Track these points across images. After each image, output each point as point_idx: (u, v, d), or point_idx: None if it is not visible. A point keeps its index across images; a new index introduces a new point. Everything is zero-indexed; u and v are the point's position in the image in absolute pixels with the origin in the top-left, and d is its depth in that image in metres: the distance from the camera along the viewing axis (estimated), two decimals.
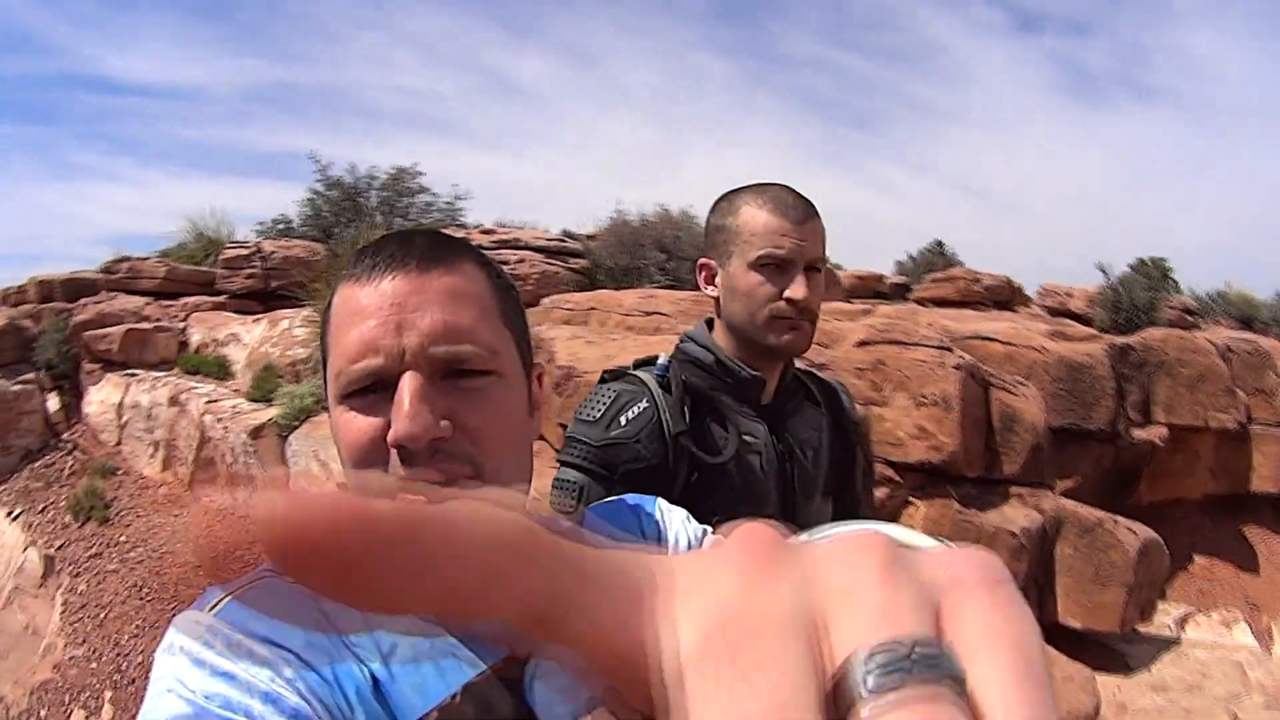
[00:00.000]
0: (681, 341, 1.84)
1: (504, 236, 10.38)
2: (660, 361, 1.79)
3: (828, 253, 1.81)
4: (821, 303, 1.77)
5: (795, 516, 1.76)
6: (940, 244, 14.40)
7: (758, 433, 1.73)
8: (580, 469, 1.62)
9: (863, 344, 4.55)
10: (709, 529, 1.12)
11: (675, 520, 1.10)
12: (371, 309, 0.79)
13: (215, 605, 0.75)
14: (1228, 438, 7.56)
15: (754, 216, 1.67)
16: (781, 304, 1.66)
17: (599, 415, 1.66)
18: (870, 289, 12.35)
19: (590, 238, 11.61)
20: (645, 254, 10.43)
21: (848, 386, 2.04)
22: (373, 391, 0.79)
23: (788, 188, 1.73)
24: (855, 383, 4.29)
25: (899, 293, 12.53)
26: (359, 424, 0.79)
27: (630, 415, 1.65)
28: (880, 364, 4.42)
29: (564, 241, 10.69)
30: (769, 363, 1.74)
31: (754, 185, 1.76)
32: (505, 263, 9.68)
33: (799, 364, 1.90)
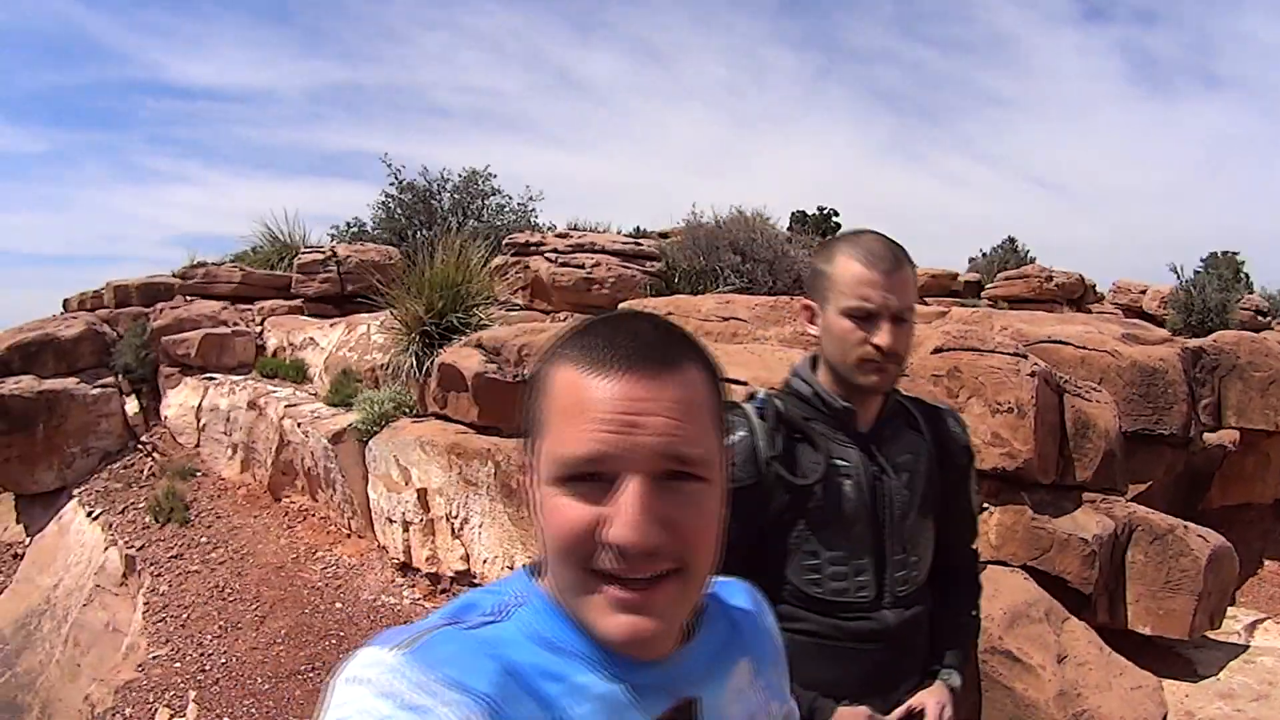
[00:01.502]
0: (790, 375, 2.09)
1: (580, 240, 10.47)
2: (759, 396, 2.04)
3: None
4: (909, 345, 2.01)
5: (886, 532, 1.99)
6: (1012, 240, 14.46)
7: (850, 457, 1.97)
8: None
9: (938, 351, 4.63)
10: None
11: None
12: (605, 405, 0.85)
13: (405, 645, 0.83)
14: None
15: (847, 267, 1.90)
16: (869, 349, 1.89)
17: None
18: (944, 287, 12.40)
19: (663, 235, 11.69)
20: (720, 256, 10.49)
21: (953, 410, 2.24)
22: (591, 480, 0.85)
23: (881, 237, 1.95)
24: (931, 389, 4.40)
25: (972, 290, 12.56)
26: (574, 511, 0.85)
27: (729, 441, 1.90)
28: (956, 371, 4.50)
29: (639, 244, 10.74)
30: (862, 395, 1.98)
31: (851, 234, 2.03)
32: (581, 266, 9.81)
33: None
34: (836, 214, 29.25)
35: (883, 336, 1.88)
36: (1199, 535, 4.94)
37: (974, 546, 2.30)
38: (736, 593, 1.18)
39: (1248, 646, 5.85)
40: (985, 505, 4.36)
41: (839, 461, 1.96)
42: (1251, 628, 6.40)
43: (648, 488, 0.84)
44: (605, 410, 0.85)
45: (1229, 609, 6.16)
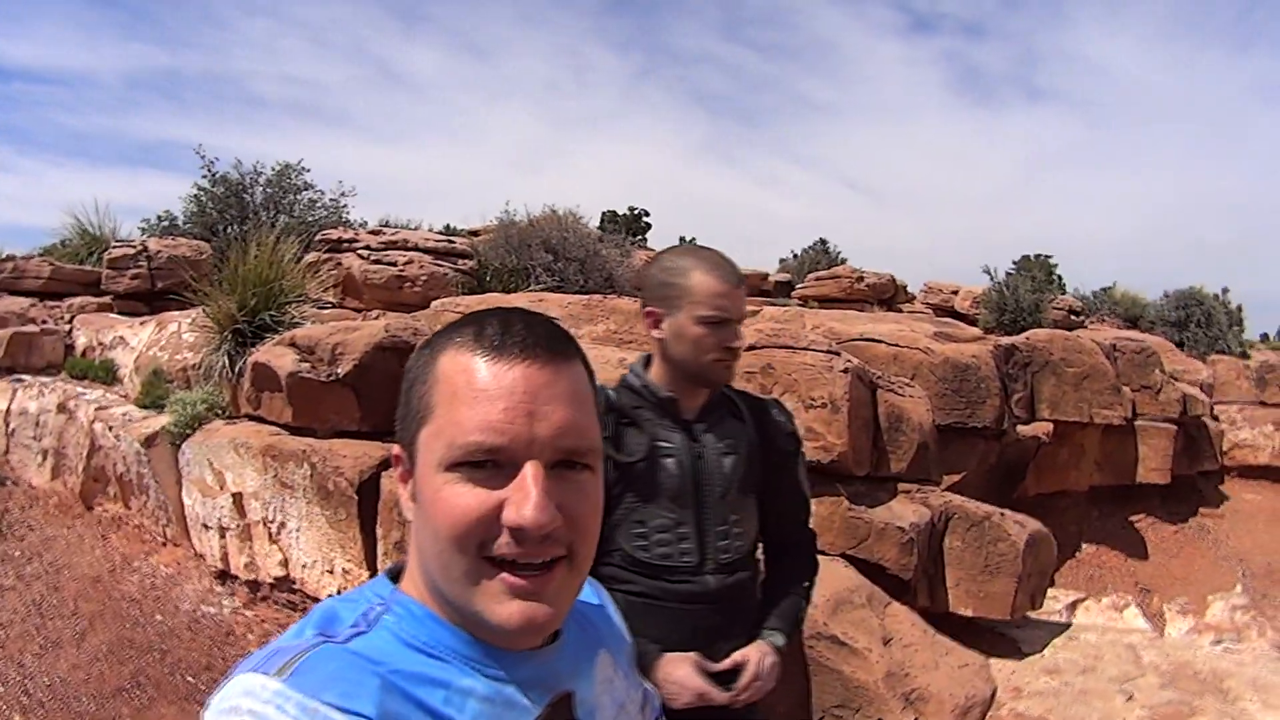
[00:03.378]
0: (627, 372, 2.42)
1: (392, 238, 10.32)
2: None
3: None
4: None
5: (706, 505, 2.31)
6: (824, 241, 14.99)
7: (674, 440, 2.30)
8: None
9: (752, 349, 4.82)
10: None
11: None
12: (503, 391, 0.88)
13: (281, 670, 0.81)
14: (1113, 432, 8.05)
15: (703, 282, 2.24)
16: (723, 351, 2.26)
17: None
18: (754, 287, 12.72)
19: (474, 234, 11.74)
20: (532, 255, 10.63)
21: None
22: (484, 468, 0.88)
23: (722, 255, 2.33)
24: (745, 386, 4.60)
25: (783, 290, 12.99)
26: (472, 497, 0.88)
27: None
28: (769, 368, 4.70)
29: (452, 242, 10.68)
30: (697, 389, 2.33)
31: (695, 250, 2.42)
32: (394, 264, 9.77)
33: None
34: (647, 214, 29.89)
35: (738, 340, 2.28)
36: (1015, 521, 5.26)
37: (809, 525, 2.56)
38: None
39: (1070, 625, 6.24)
40: None
41: (662, 443, 2.28)
42: (1073, 607, 6.83)
43: (545, 472, 0.88)
44: (503, 397, 0.88)
45: (1050, 590, 6.55)
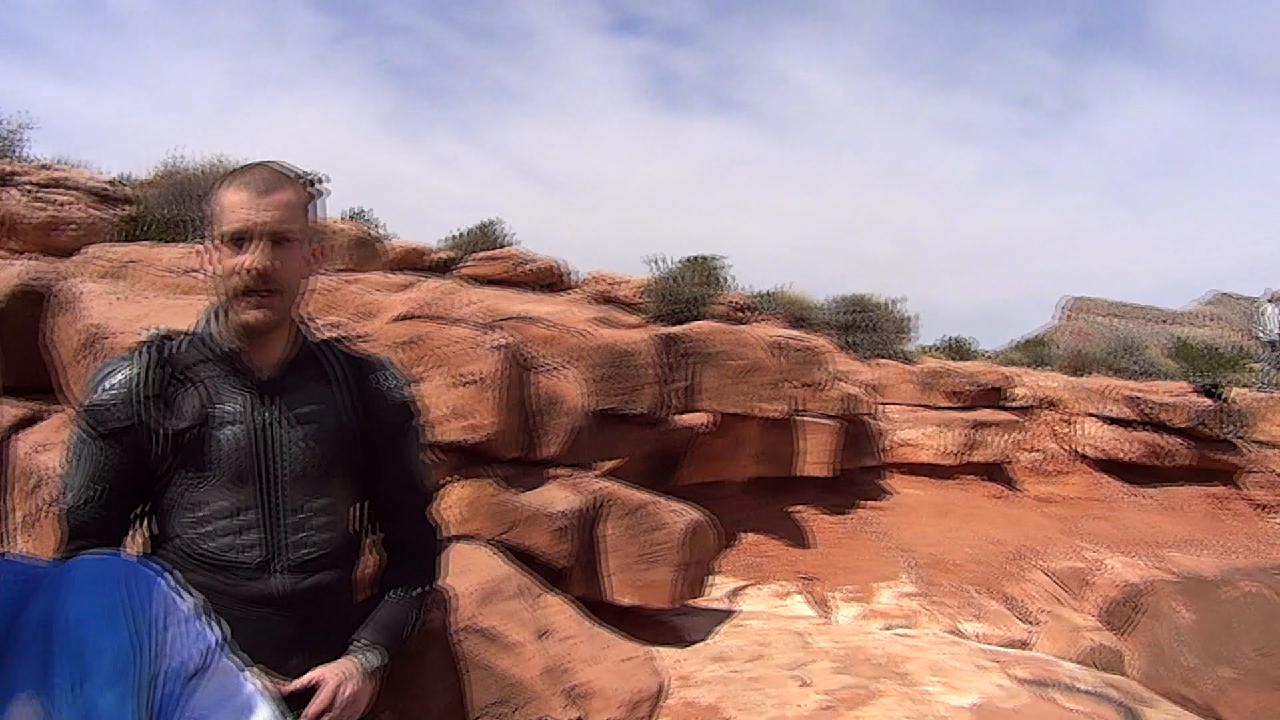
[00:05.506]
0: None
1: (57, 176, 9.44)
2: (152, 332, 2.00)
3: (318, 221, 2.05)
4: (305, 275, 1.99)
5: (276, 489, 1.94)
6: (490, 223, 14.90)
7: (239, 402, 1.93)
8: (78, 427, 1.92)
9: (402, 319, 4.62)
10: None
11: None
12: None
13: None
14: (775, 425, 8.46)
15: (224, 196, 1.88)
16: (243, 274, 1.85)
17: (90, 380, 1.93)
18: (413, 263, 12.54)
19: (149, 184, 10.99)
20: (197, 207, 9.86)
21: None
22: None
23: (268, 164, 1.94)
24: (395, 357, 4.36)
25: (445, 267, 12.86)
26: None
27: (112, 381, 1.90)
28: (419, 339, 4.50)
29: (116, 188, 9.93)
30: (258, 339, 1.94)
31: (238, 168, 1.97)
32: (55, 203, 9.04)
33: (331, 337, 2.17)
34: (326, 179, 29.47)
35: (248, 257, 1.84)
36: (672, 509, 5.33)
37: (429, 519, 2.22)
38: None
39: (735, 612, 6.40)
40: (450, 478, 4.37)
41: (222, 408, 1.91)
42: (735, 594, 7.03)
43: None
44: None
45: (712, 578, 6.70)
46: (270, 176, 1.90)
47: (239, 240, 1.84)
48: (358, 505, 2.12)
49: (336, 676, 1.86)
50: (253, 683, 1.42)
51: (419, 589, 2.14)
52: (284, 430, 1.94)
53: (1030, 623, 8.11)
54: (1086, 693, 6.14)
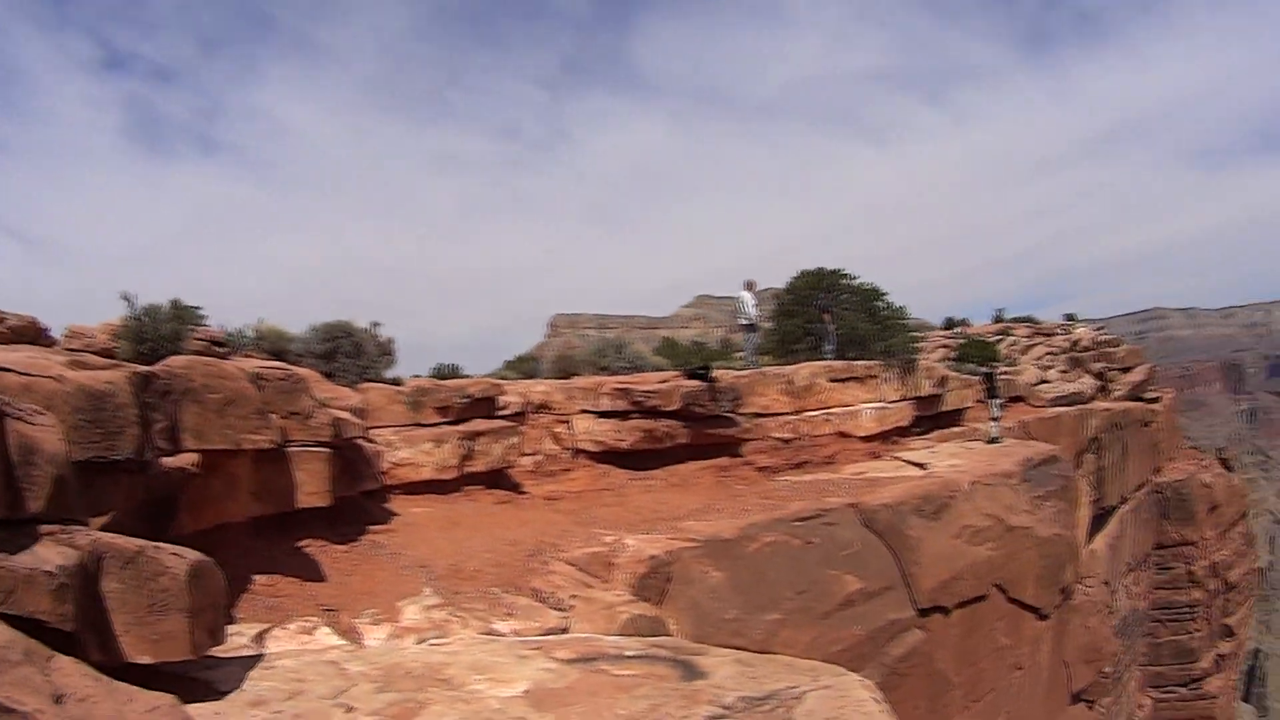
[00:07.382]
0: None
1: None
2: None
3: None
4: None
5: None
6: None
7: None
8: None
9: None
10: None
11: None
12: None
13: None
14: (266, 459, 8.32)
15: None
16: None
17: None
18: None
19: None
20: None
21: None
22: None
23: None
24: None
25: None
26: None
27: None
28: None
29: None
30: None
31: None
32: None
33: None
34: None
35: None
36: (172, 553, 5.17)
37: None
38: None
39: (263, 655, 6.22)
40: None
41: None
42: (260, 638, 6.82)
43: None
44: None
45: (232, 627, 6.46)
46: None
47: None
48: None
49: None
50: None
51: None
52: None
53: (563, 610, 8.60)
54: (635, 657, 6.71)
